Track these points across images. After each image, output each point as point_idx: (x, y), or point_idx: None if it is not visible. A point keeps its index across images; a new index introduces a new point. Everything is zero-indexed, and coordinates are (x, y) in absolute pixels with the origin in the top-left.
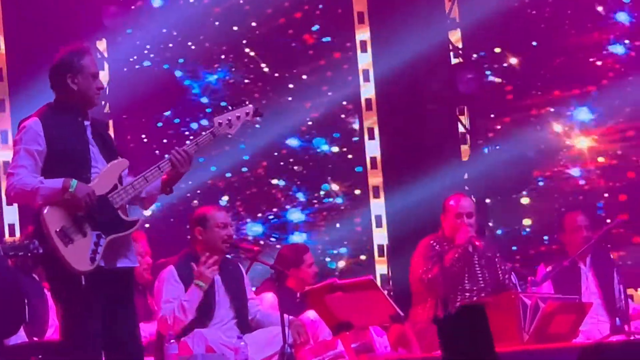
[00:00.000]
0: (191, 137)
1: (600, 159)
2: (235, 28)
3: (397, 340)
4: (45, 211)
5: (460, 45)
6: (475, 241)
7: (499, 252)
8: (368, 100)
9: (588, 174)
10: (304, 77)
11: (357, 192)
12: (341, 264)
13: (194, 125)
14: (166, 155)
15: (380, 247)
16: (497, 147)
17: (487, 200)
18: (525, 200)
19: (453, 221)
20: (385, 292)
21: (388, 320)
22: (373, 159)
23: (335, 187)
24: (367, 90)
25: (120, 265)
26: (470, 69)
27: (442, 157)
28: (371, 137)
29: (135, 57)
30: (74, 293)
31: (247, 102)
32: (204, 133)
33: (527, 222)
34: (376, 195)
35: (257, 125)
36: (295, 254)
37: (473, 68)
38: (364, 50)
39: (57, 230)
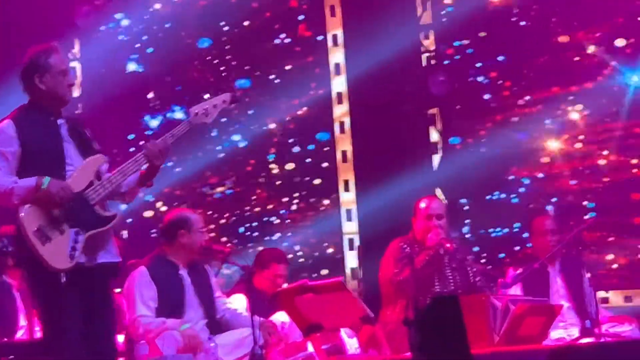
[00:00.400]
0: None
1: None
2: (222, 23)
3: (368, 342)
4: (22, 212)
5: (432, 47)
6: (446, 243)
7: (470, 254)
8: (339, 94)
9: (571, 175)
10: (285, 72)
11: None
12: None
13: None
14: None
15: (351, 241)
16: (471, 148)
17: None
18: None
19: (423, 223)
20: (356, 293)
21: (358, 322)
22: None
23: (318, 181)
24: (339, 84)
25: (101, 261)
26: (442, 71)
27: (414, 158)
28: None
29: (109, 56)
30: (54, 291)
31: (223, 90)
32: (180, 124)
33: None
34: (347, 190)
35: (236, 125)
36: (268, 257)
37: (445, 70)
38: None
39: (34, 230)
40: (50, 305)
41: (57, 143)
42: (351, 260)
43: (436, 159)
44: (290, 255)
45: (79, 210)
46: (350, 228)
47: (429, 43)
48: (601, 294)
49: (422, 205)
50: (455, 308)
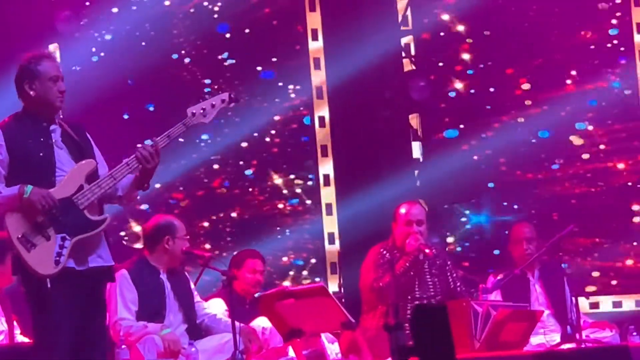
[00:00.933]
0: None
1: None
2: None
3: (348, 347)
4: (8, 218)
5: (413, 52)
6: (426, 248)
7: (449, 260)
8: (319, 95)
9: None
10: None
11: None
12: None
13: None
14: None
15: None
16: (454, 153)
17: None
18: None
19: (403, 229)
20: (336, 299)
21: (339, 327)
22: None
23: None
24: (321, 107)
25: (92, 265)
26: (422, 76)
27: (394, 164)
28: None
29: (92, 60)
30: (40, 296)
31: (222, 90)
32: (176, 125)
33: None
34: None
35: (225, 130)
36: (241, 255)
37: (426, 75)
38: (317, 66)
39: (19, 236)
40: (38, 310)
41: (46, 149)
42: (331, 255)
43: (417, 162)
44: (285, 258)
45: (66, 215)
46: (330, 224)
47: (410, 48)
48: (582, 300)
49: (402, 210)
50: (443, 315)
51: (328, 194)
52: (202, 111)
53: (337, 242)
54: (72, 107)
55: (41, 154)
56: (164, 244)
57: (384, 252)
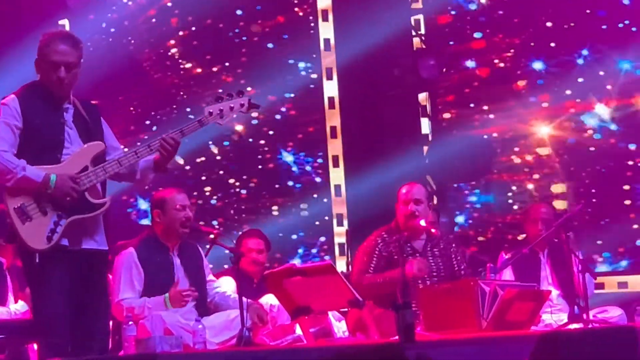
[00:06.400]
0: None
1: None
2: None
3: (356, 325)
4: (8, 189)
5: (423, 31)
6: (431, 229)
7: (455, 242)
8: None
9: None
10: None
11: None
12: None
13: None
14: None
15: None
16: (459, 133)
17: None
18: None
19: (401, 208)
20: (344, 277)
21: (346, 305)
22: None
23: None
24: (330, 89)
25: (85, 247)
26: (432, 55)
27: (403, 143)
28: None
29: (102, 37)
30: (30, 270)
31: (243, 93)
32: (191, 122)
33: None
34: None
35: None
36: (240, 237)
37: (435, 54)
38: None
39: (16, 207)
40: (31, 283)
41: (57, 126)
42: (340, 236)
43: (426, 140)
44: (294, 236)
45: None
46: (339, 204)
47: (420, 26)
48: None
49: (403, 190)
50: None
51: (337, 176)
52: (219, 112)
53: (345, 223)
54: (80, 82)
55: (51, 131)
56: (155, 217)
57: (379, 241)
